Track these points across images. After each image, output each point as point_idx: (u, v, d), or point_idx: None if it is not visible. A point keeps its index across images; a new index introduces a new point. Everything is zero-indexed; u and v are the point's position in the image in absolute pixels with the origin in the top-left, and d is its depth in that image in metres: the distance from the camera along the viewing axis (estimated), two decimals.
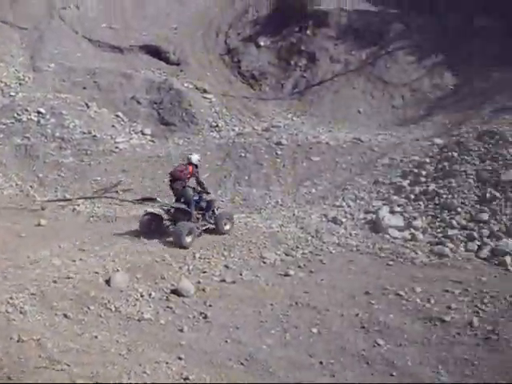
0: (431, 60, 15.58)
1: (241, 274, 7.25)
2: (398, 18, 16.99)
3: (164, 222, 8.85)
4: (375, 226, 9.21)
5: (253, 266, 7.67)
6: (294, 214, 9.95)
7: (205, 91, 15.45)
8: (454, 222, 8.72)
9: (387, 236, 8.83)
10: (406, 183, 10.28)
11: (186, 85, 15.54)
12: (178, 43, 17.82)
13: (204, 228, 8.82)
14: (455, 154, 10.28)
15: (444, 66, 15.27)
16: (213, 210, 9.16)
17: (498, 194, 8.87)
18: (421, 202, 9.54)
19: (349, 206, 10.05)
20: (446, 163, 10.21)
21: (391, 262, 7.84)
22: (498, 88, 13.75)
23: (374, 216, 9.44)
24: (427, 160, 10.71)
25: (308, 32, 17.14)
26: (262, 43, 17.47)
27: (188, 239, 8.08)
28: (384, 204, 9.80)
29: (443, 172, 10.02)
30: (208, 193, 9.27)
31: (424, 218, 9.13)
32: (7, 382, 3.68)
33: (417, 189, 9.95)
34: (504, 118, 11.67)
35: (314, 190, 11.10)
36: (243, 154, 12.37)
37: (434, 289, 6.73)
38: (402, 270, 7.57)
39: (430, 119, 13.91)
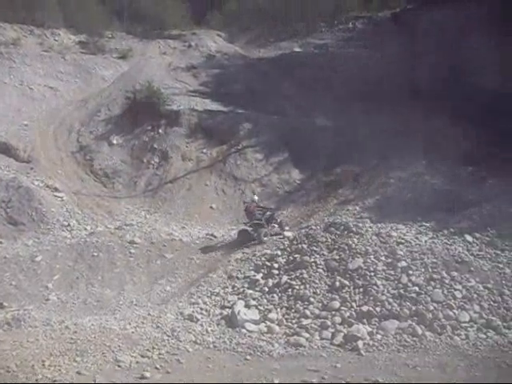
0: (278, 157, 17.48)
1: (94, 381, 7.34)
2: (247, 117, 19.11)
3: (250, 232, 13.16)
4: (231, 321, 9.72)
5: (107, 370, 7.76)
6: (149, 314, 10.16)
7: (56, 189, 15.56)
8: (307, 312, 9.53)
9: (244, 330, 9.39)
10: (259, 276, 11.05)
11: (36, 183, 15.49)
12: (28, 140, 17.95)
13: (271, 231, 13.48)
14: (305, 246, 11.34)
15: (291, 163, 17.22)
16: (275, 219, 13.82)
17: (346, 282, 9.97)
18: (275, 295, 10.29)
19: (204, 303, 10.51)
20: (296, 255, 11.19)
21: (249, 357, 8.40)
22: (340, 181, 16.04)
23: (229, 311, 9.96)
24: (279, 253, 11.65)
25: (160, 131, 18.52)
26: (114, 141, 18.42)
27: (265, 238, 12.93)
28: (239, 298, 10.39)
29: (294, 264, 10.93)
30: (268, 209, 14.18)
31: (279, 309, 9.88)
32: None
33: (270, 281, 10.73)
34: (348, 210, 13.64)
35: (168, 288, 11.58)
36: (96, 254, 12.62)
37: (292, 380, 7.35)
38: (260, 364, 8.14)
39: (280, 213, 15.26)
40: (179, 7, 36.66)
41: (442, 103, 17.28)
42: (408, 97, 18.67)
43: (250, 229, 13.54)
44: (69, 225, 14.25)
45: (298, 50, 26.58)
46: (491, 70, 16.99)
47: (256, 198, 14.49)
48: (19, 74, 22.57)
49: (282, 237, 12.81)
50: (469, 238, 11.05)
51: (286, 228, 13.73)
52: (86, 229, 14.22)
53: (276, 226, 13.90)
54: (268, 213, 14.07)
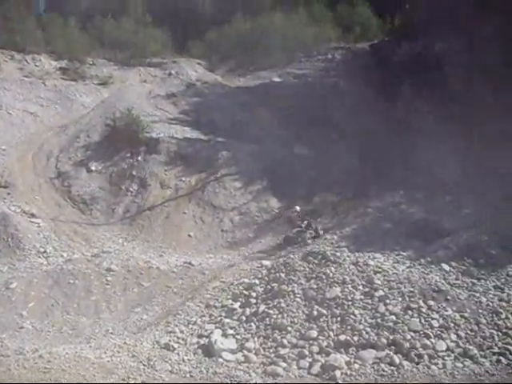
0: (257, 185, 17.59)
1: None
2: (226, 146, 19.28)
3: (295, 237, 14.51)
4: (208, 350, 9.59)
5: None
6: (125, 342, 10.00)
7: (33, 215, 15.43)
8: (285, 341, 9.46)
9: (221, 359, 9.27)
10: (237, 305, 10.96)
11: (13, 208, 15.41)
12: (6, 165, 17.95)
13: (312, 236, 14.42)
14: (283, 275, 11.34)
15: (269, 191, 17.35)
16: (311, 226, 14.79)
17: (324, 311, 9.94)
18: (252, 324, 10.21)
19: (181, 332, 10.37)
20: (274, 284, 11.16)
21: None
22: (319, 211, 16.29)
23: (206, 340, 9.85)
24: (257, 281, 11.61)
25: (139, 158, 18.53)
26: (93, 168, 18.35)
27: (308, 241, 14.05)
28: (216, 327, 10.30)
29: (272, 293, 10.91)
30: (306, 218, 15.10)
31: (256, 339, 9.78)
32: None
33: (248, 310, 10.66)
34: (326, 239, 13.70)
35: (145, 317, 11.39)
36: (72, 281, 12.44)
37: None
38: None
39: (258, 241, 15.43)
40: (160, 35, 37.07)
41: (422, 132, 17.61)
42: (386, 125, 18.98)
43: (294, 235, 14.71)
44: (45, 251, 14.11)
45: (277, 79, 26.90)
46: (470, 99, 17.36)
47: (298, 208, 15.42)
48: None
49: (259, 265, 12.77)
50: (446, 267, 11.14)
51: (321, 232, 14.75)
52: (62, 256, 14.09)
53: (313, 231, 14.74)
54: (305, 221, 14.94)
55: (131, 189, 17.68)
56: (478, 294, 10.15)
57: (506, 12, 16.83)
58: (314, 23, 33.74)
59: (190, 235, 15.96)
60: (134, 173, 18.16)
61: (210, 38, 37.47)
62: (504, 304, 9.75)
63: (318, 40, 31.15)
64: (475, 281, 10.66)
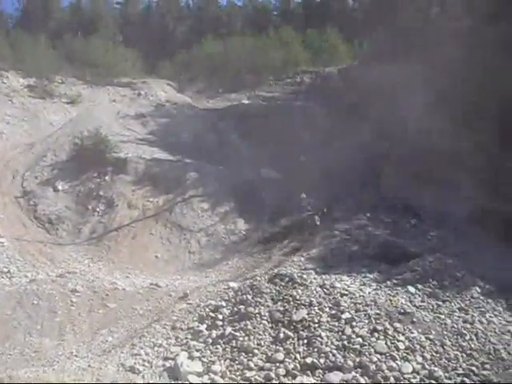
0: (224, 207, 17.56)
1: None
2: (194, 167, 19.26)
3: None
4: (174, 373, 9.33)
5: None
6: (89, 365, 9.70)
7: None
8: (251, 364, 9.25)
9: (187, 382, 9.01)
10: (203, 327, 10.74)
11: None
12: None
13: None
14: (249, 297, 11.15)
15: (236, 213, 17.33)
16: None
17: (290, 334, 9.81)
18: (219, 346, 9.96)
19: (147, 354, 10.10)
20: (241, 306, 10.97)
21: None
22: (286, 232, 16.25)
23: (172, 363, 9.59)
24: (223, 304, 11.39)
25: (107, 178, 18.37)
26: (60, 187, 18.12)
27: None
28: (182, 350, 10.04)
29: (239, 315, 10.71)
30: None
31: (222, 361, 9.53)
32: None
33: (214, 333, 10.43)
34: (293, 261, 13.64)
35: (110, 339, 11.17)
36: (36, 302, 12.16)
37: None
38: None
39: (225, 263, 15.30)
40: (130, 55, 37.20)
41: (387, 157, 17.89)
42: (354, 148, 19.24)
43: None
44: (9, 271, 13.78)
45: (246, 101, 27.15)
46: (434, 126, 17.70)
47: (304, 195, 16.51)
48: None
49: (226, 287, 12.70)
50: (411, 289, 11.22)
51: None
52: (26, 276, 13.75)
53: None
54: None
55: (98, 209, 17.49)
56: (443, 316, 10.25)
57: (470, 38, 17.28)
58: (283, 47, 34.24)
59: (156, 256, 15.80)
60: (101, 193, 17.98)
61: (180, 60, 37.75)
62: (468, 326, 9.85)
63: (287, 63, 31.61)
64: (440, 303, 10.77)
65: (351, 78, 25.91)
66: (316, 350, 9.43)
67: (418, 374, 8.88)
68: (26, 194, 18.11)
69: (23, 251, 15.10)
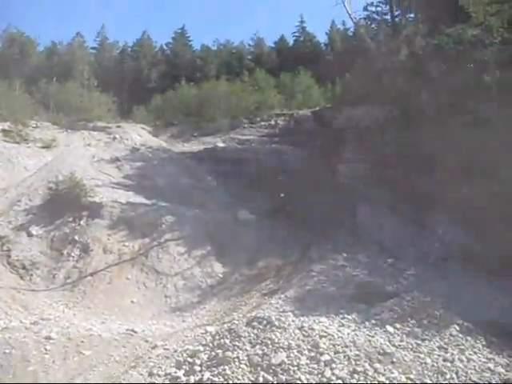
0: (201, 250, 17.44)
1: None
2: (170, 210, 19.18)
3: None
4: None
5: None
6: None
7: None
8: None
9: None
10: (181, 373, 10.38)
11: None
12: None
13: None
14: (227, 341, 10.92)
15: (213, 256, 17.22)
16: None
17: (270, 378, 9.53)
18: None
19: None
20: (219, 350, 10.69)
21: None
22: (263, 275, 16.21)
23: None
24: (201, 348, 11.15)
25: (82, 222, 18.13)
26: (34, 232, 17.78)
27: None
28: None
29: (217, 360, 10.42)
30: None
31: None
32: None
33: (192, 378, 10.03)
34: (270, 303, 13.47)
35: None
36: (8, 351, 11.73)
37: None
38: None
39: (202, 307, 15.07)
40: (105, 100, 37.56)
41: (363, 196, 18.17)
42: (329, 189, 19.49)
43: None
44: None
45: (221, 144, 27.36)
46: (408, 166, 18.05)
47: None
48: None
49: (204, 332, 12.57)
50: (390, 329, 11.23)
51: None
52: None
53: None
54: None
55: (73, 254, 17.17)
56: (422, 355, 10.25)
57: (440, 81, 17.78)
58: (257, 90, 34.90)
59: (132, 301, 15.53)
60: (76, 237, 17.70)
61: (155, 104, 38.22)
62: (448, 364, 9.82)
63: (261, 106, 32.14)
64: (420, 342, 10.78)
65: (324, 121, 26.43)
66: None
67: None
68: None
69: None
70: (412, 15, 28.11)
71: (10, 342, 12.17)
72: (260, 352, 10.45)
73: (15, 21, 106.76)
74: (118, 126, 31.05)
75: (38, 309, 14.70)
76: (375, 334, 11.06)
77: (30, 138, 27.28)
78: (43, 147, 26.57)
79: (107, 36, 66.49)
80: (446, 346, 10.51)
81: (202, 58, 61.21)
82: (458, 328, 11.14)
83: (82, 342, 12.59)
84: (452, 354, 10.21)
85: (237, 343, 10.91)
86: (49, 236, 17.93)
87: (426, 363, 9.97)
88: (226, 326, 12.19)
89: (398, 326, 11.35)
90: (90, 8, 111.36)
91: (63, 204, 18.92)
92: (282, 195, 20.29)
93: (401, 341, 10.83)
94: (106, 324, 14.15)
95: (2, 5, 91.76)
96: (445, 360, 10.01)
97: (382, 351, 10.24)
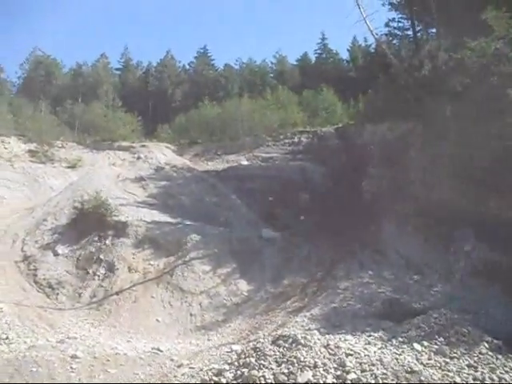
0: (226, 268, 17.42)
1: None
2: (195, 229, 19.28)
3: None
4: None
5: None
6: None
7: None
8: None
9: None
10: None
11: None
12: None
13: None
14: (253, 360, 10.83)
15: (238, 274, 17.17)
16: None
17: None
18: None
19: None
20: (244, 369, 10.59)
21: None
22: (288, 293, 16.12)
23: None
24: (226, 367, 11.08)
25: (107, 241, 18.31)
26: (60, 251, 18.03)
27: None
28: None
29: (242, 378, 10.33)
30: None
31: None
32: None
33: None
34: (296, 321, 13.48)
35: None
36: (35, 369, 11.79)
37: None
38: None
39: (227, 326, 15.02)
40: (130, 120, 38.05)
41: (388, 212, 18.07)
42: (353, 206, 19.41)
43: None
44: (7, 338, 13.37)
45: (244, 162, 27.52)
46: (432, 182, 17.91)
47: None
48: None
49: (229, 350, 12.54)
50: (417, 346, 11.07)
51: None
52: (25, 342, 13.36)
53: None
54: None
55: (98, 273, 17.32)
56: (451, 374, 10.06)
57: (464, 95, 17.67)
58: (280, 108, 35.03)
59: (158, 320, 15.56)
60: (101, 256, 17.87)
61: (179, 123, 38.57)
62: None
63: (284, 124, 32.25)
64: (448, 360, 10.61)
65: (348, 137, 26.41)
66: None
67: None
68: (26, 258, 18.01)
69: (23, 316, 14.79)
70: (434, 30, 28.02)
71: (37, 361, 12.24)
72: (286, 371, 10.34)
73: (41, 44, 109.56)
74: (143, 146, 31.46)
75: (64, 327, 14.79)
76: (402, 351, 10.91)
77: (55, 158, 27.85)
78: (69, 167, 27.08)
79: (131, 57, 67.61)
80: (475, 365, 10.29)
81: (225, 76, 61.71)
82: (487, 346, 10.93)
83: (108, 360, 12.66)
84: (482, 372, 9.99)
85: (262, 362, 10.83)
86: (74, 255, 18.15)
87: (455, 382, 9.80)
88: (251, 344, 12.10)
89: (425, 343, 11.18)
90: (113, 29, 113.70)
91: (89, 223, 19.13)
92: (304, 216, 20.27)
93: (428, 359, 10.66)
94: (132, 343, 14.19)
95: (27, 28, 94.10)
96: (475, 379, 9.79)
97: (409, 369, 10.09)
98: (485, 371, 10.08)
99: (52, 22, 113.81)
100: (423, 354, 10.84)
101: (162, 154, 29.89)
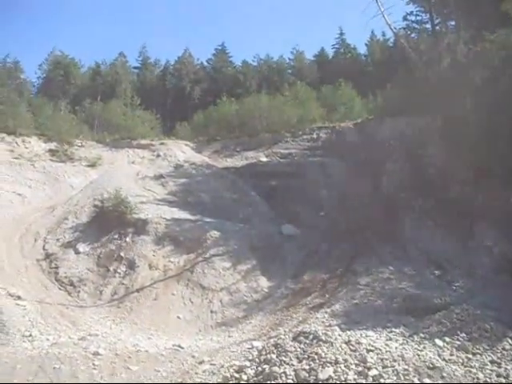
0: (246, 265, 17.46)
1: None
2: (215, 226, 19.31)
3: None
4: None
5: None
6: None
7: (19, 298, 14.95)
8: None
9: None
10: None
11: None
12: None
13: None
14: (274, 356, 10.80)
15: (258, 271, 17.19)
16: None
17: None
18: None
19: None
20: (265, 366, 10.60)
21: None
22: (309, 289, 16.07)
23: None
24: (247, 364, 11.14)
25: (127, 239, 18.44)
26: (81, 249, 18.21)
27: None
28: None
29: (263, 375, 10.33)
30: None
31: None
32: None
33: None
34: (316, 318, 13.44)
35: None
36: (57, 366, 11.89)
37: None
38: None
39: (248, 322, 15.05)
40: (148, 118, 38.22)
41: (408, 207, 17.95)
42: (372, 201, 19.32)
43: None
44: (30, 335, 13.51)
45: (263, 159, 27.46)
46: (452, 176, 17.75)
47: None
48: None
49: (250, 347, 12.57)
50: (439, 342, 10.98)
51: None
52: (48, 339, 13.51)
53: None
54: None
55: (119, 270, 17.43)
56: (474, 370, 9.97)
57: (484, 88, 17.45)
58: (298, 104, 34.92)
59: (179, 317, 15.62)
60: (122, 254, 17.98)
61: (197, 120, 38.62)
62: (502, 380, 9.50)
63: (303, 120, 32.14)
64: (471, 356, 10.51)
65: (367, 132, 26.27)
66: None
67: None
68: (47, 256, 18.20)
69: (45, 314, 14.92)
70: (453, 23, 27.69)
71: (60, 358, 12.35)
72: (307, 367, 10.30)
73: (60, 44, 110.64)
74: (162, 143, 31.55)
75: (86, 325, 14.92)
76: (424, 347, 10.84)
77: (75, 156, 28.09)
78: (88, 165, 27.30)
79: (149, 55, 67.85)
80: (498, 361, 10.17)
81: (243, 73, 61.74)
82: (511, 342, 10.81)
83: (130, 357, 12.73)
84: (506, 369, 9.85)
85: (283, 358, 10.79)
86: (95, 253, 18.28)
87: (478, 378, 9.69)
88: (272, 340, 12.11)
89: (447, 339, 11.08)
90: (131, 28, 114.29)
91: (109, 221, 19.29)
92: (323, 212, 20.22)
93: (451, 355, 10.58)
94: (153, 340, 14.28)
95: (46, 29, 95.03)
96: (498, 375, 9.68)
97: (431, 365, 10.01)
98: (508, 367, 9.95)
99: (70, 23, 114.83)
100: (445, 349, 10.76)
101: (180, 151, 29.97)
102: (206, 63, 67.19)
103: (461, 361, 10.33)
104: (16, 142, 28.07)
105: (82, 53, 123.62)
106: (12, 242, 18.75)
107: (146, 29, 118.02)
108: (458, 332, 11.26)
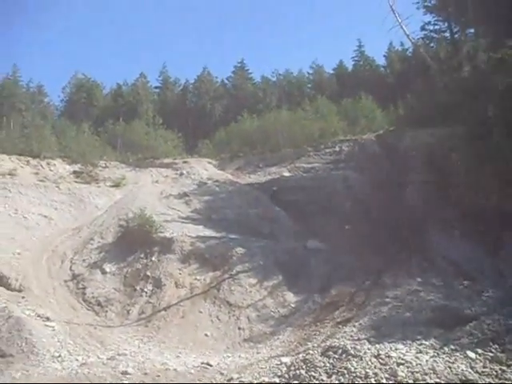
0: (272, 280, 17.45)
1: None
2: (240, 242, 19.39)
3: None
4: None
5: None
6: None
7: (47, 319, 15.09)
8: None
9: None
10: None
11: (27, 312, 15.06)
12: (20, 269, 17.74)
13: None
14: (303, 372, 10.75)
15: (285, 286, 17.17)
16: None
17: None
18: None
19: None
20: (295, 382, 10.57)
21: None
22: (336, 303, 15.96)
23: None
24: (277, 380, 11.05)
25: (153, 258, 18.61)
26: (107, 269, 18.40)
27: None
28: None
29: None
30: None
31: None
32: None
33: None
34: (345, 332, 13.35)
35: None
36: None
37: None
38: None
39: (276, 338, 15.01)
40: (170, 137, 38.56)
41: (434, 218, 17.82)
42: (398, 213, 19.21)
43: None
44: (60, 356, 13.59)
45: (286, 174, 27.46)
46: (477, 185, 17.58)
47: None
48: (14, 203, 23.38)
49: (279, 363, 12.50)
50: (471, 354, 10.77)
51: None
52: (77, 359, 13.60)
53: None
54: None
55: (146, 289, 17.55)
56: (508, 382, 9.81)
57: (506, 95, 17.28)
58: (319, 117, 34.98)
59: (206, 334, 15.66)
60: (148, 273, 18.13)
61: (219, 137, 38.89)
62: None
63: (324, 133, 32.17)
64: (505, 368, 10.27)
65: (389, 144, 26.19)
66: None
67: None
68: (74, 277, 18.39)
69: (73, 334, 15.05)
70: (472, 30, 27.59)
71: (89, 377, 12.43)
72: (336, 382, 10.23)
73: (82, 67, 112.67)
74: (185, 162, 31.78)
75: (114, 344, 14.98)
76: (455, 360, 10.65)
77: (99, 177, 28.43)
78: (112, 186, 27.58)
79: (169, 74, 68.53)
80: None
81: (263, 89, 62.02)
82: None
83: (158, 376, 12.74)
84: None
85: (313, 373, 10.73)
86: (122, 272, 18.46)
87: None
88: (300, 356, 11.99)
89: (479, 351, 10.87)
90: (151, 48, 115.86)
91: (134, 240, 19.50)
92: (348, 225, 20.13)
93: (483, 367, 10.37)
94: (181, 358, 14.29)
95: (68, 52, 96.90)
96: None
97: (463, 378, 9.84)
98: None
99: (92, 45, 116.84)
100: (477, 361, 10.55)
101: (203, 169, 30.15)
102: (225, 81, 67.65)
103: (494, 373, 10.12)
104: (41, 165, 28.56)
105: (103, 74, 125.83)
106: (39, 263, 18.93)
107: (166, 48, 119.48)
108: (491, 343, 11.03)
